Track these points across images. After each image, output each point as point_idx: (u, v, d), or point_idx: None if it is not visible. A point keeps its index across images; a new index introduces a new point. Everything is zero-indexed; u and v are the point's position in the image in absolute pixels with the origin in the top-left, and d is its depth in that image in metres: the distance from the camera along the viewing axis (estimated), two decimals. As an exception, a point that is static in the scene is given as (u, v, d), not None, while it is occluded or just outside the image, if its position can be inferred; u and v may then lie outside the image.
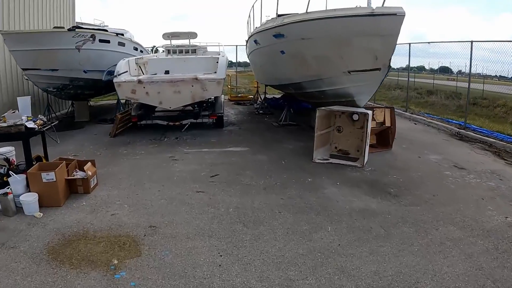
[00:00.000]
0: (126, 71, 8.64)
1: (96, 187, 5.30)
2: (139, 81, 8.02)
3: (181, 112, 8.97)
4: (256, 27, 9.44)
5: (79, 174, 5.18)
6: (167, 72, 9.02)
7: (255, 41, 8.85)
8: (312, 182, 5.55)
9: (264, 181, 5.60)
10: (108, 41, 9.68)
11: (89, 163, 5.32)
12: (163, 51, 10.47)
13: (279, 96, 13.64)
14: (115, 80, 8.08)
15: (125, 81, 8.11)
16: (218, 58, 9.00)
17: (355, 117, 6.74)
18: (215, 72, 8.88)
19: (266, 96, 13.31)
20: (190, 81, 8.05)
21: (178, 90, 8.11)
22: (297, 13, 6.74)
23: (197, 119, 8.92)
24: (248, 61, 14.50)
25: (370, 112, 6.59)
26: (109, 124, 9.84)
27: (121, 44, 10.52)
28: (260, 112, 12.33)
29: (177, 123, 8.92)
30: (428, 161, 6.72)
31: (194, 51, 10.25)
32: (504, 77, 18.60)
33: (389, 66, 6.05)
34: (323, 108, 6.75)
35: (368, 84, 6.42)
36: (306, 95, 8.43)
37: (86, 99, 11.54)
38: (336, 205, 4.67)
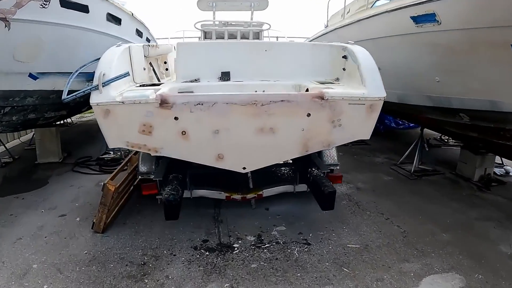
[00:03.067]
0: (127, 73, 3.43)
1: None
2: (164, 102, 2.87)
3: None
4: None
5: None
6: (225, 75, 3.77)
7: (423, 18, 3.57)
8: None
9: None
10: (85, 9, 4.37)
11: None
12: (200, 36, 5.29)
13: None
14: (93, 100, 2.89)
15: (123, 103, 2.93)
16: (347, 48, 3.59)
17: None
18: (337, 79, 3.76)
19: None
20: (307, 102, 2.92)
21: (271, 126, 2.97)
22: None
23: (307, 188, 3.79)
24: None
25: None
26: (96, 173, 5.25)
27: (113, 19, 5.17)
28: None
29: (249, 197, 3.77)
30: None
31: (257, 35, 4.99)
32: None
33: None
34: None
35: None
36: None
37: (52, 125, 6.35)
38: None
